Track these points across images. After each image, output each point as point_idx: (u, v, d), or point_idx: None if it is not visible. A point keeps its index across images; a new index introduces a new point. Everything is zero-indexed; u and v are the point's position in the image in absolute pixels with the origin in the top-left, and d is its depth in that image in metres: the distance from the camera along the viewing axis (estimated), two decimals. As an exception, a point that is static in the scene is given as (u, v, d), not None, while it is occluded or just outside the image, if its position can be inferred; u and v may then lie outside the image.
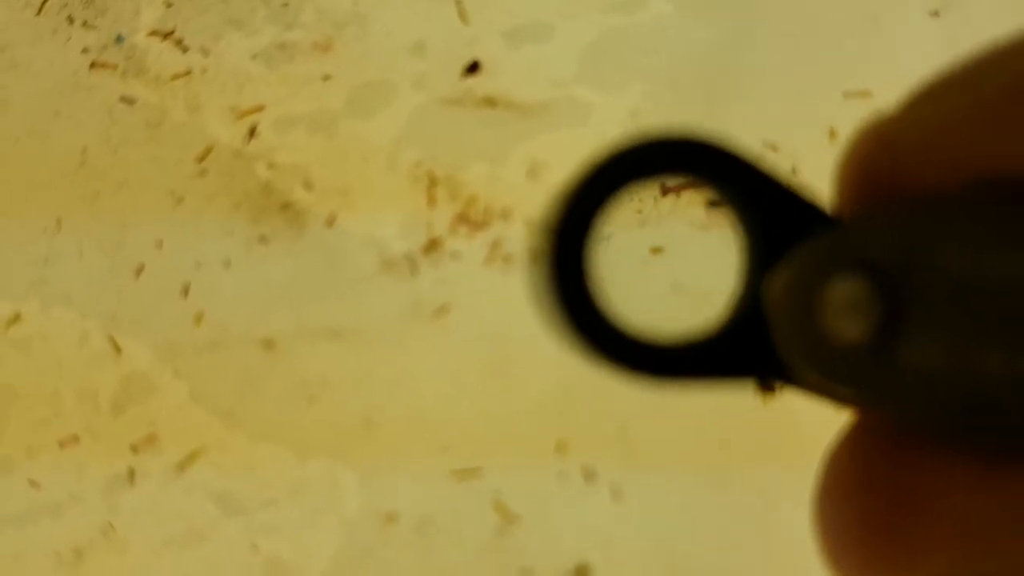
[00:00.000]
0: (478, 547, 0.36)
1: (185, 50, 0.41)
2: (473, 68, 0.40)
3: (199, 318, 0.38)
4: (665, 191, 0.38)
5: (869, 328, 0.10)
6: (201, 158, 0.39)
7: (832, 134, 0.39)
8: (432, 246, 0.38)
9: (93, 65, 0.41)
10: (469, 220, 0.39)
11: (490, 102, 0.40)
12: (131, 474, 0.37)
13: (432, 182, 0.39)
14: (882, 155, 0.12)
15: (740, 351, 0.13)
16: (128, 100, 0.40)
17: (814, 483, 0.12)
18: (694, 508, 0.37)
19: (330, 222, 0.39)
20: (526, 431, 0.37)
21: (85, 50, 0.41)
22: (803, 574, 0.36)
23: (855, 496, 0.12)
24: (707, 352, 0.13)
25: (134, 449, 0.37)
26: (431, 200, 0.39)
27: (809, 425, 0.36)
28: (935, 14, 0.41)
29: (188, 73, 0.40)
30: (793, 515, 0.36)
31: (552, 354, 0.39)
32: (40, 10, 0.42)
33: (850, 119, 0.43)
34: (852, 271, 0.11)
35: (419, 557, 0.36)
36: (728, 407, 0.37)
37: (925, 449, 0.11)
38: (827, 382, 0.11)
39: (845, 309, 0.11)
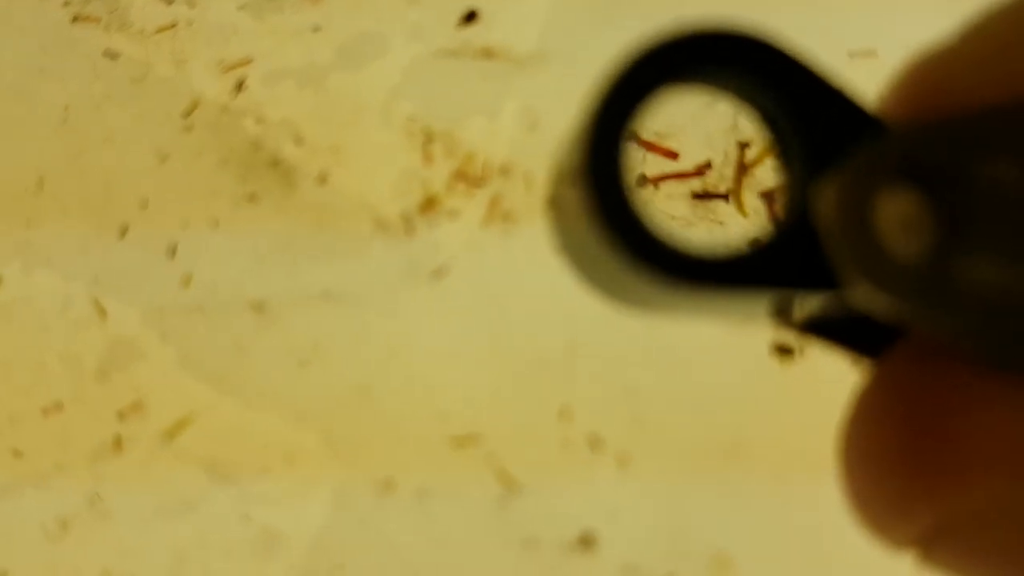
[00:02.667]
0: (479, 516, 0.35)
1: (170, 2, 0.39)
2: (470, 17, 0.38)
3: (186, 280, 0.36)
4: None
5: (924, 244, 0.10)
6: (187, 113, 0.37)
7: (841, 92, 0.38)
8: (428, 204, 0.37)
9: (75, 19, 0.39)
10: (467, 177, 0.37)
11: (488, 53, 0.38)
12: (118, 442, 0.35)
13: (428, 137, 0.37)
14: (933, 79, 0.11)
15: (790, 262, 0.12)
16: (112, 55, 0.39)
17: (842, 420, 0.12)
18: (702, 476, 0.35)
19: (322, 180, 0.37)
20: (528, 397, 0.36)
21: (67, 3, 0.39)
22: (813, 540, 0.35)
23: (890, 425, 0.11)
24: (756, 263, 0.12)
25: (120, 416, 0.36)
26: (427, 156, 0.37)
27: (824, 393, 0.35)
28: (955, -41, 0.39)
29: (173, 26, 0.39)
30: (804, 482, 0.35)
31: (555, 316, 0.37)
32: (19, -39, 0.40)
33: (856, 79, 0.42)
34: (906, 182, 0.10)
35: (418, 527, 0.35)
36: (740, 371, 0.36)
37: (965, 373, 0.11)
38: (881, 295, 0.11)
39: (900, 224, 0.10)
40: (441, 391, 0.36)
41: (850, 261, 0.11)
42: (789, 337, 0.34)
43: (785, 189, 0.12)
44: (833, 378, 0.34)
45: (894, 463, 0.11)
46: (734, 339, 0.35)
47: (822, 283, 0.12)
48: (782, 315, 0.13)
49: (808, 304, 0.12)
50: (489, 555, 0.35)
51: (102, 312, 0.36)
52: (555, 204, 0.13)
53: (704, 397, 0.36)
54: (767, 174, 0.34)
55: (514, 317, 0.36)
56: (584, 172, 0.11)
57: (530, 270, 0.37)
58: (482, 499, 0.35)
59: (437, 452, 0.35)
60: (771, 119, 0.12)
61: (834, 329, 0.13)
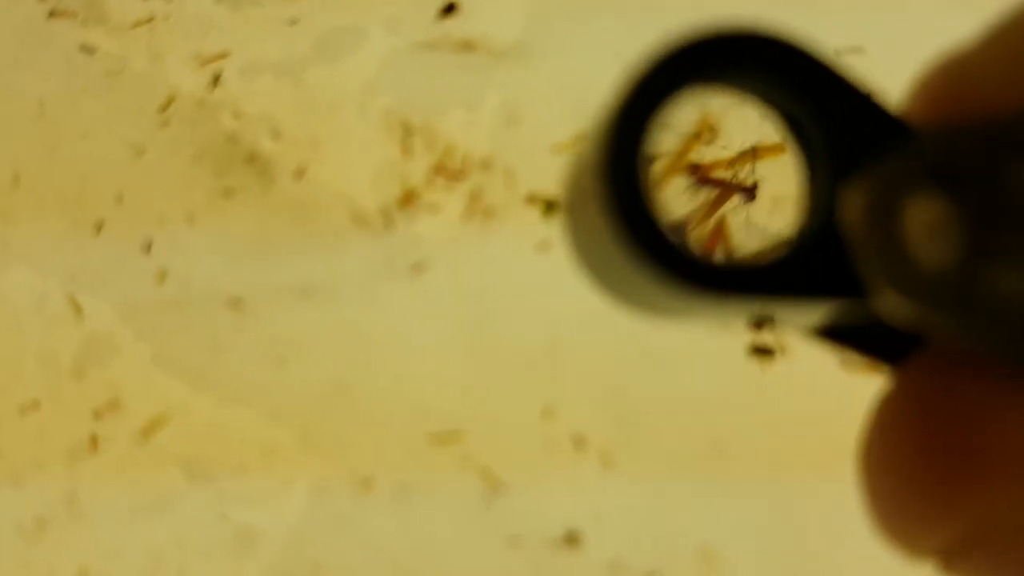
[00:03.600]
0: (461, 514, 0.35)
1: (147, -4, 0.39)
2: (449, 9, 0.38)
3: (162, 276, 0.36)
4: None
5: (952, 251, 0.10)
6: (163, 108, 0.37)
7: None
8: (407, 199, 0.36)
9: (52, 14, 0.39)
10: (446, 171, 0.37)
11: (467, 46, 0.38)
12: (94, 441, 0.35)
13: (407, 131, 0.37)
14: (957, 83, 0.11)
15: (814, 270, 0.12)
16: (88, 49, 0.38)
17: (863, 427, 0.12)
18: (686, 474, 0.35)
19: (299, 174, 0.37)
20: (511, 394, 0.35)
21: (43, -3, 0.39)
22: (797, 536, 0.34)
23: (912, 434, 0.11)
24: (779, 271, 0.12)
25: (96, 415, 0.35)
26: (406, 150, 0.37)
27: (806, 392, 0.34)
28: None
29: (150, 20, 0.38)
30: (787, 479, 0.34)
31: (537, 313, 0.37)
32: (-5, -44, 0.39)
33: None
34: (934, 188, 0.10)
35: (397, 525, 0.35)
36: (722, 370, 0.35)
37: (988, 382, 0.11)
38: (908, 304, 0.11)
39: (928, 230, 0.10)
40: (421, 388, 0.35)
41: (876, 269, 0.11)
42: (768, 338, 0.34)
43: (809, 195, 0.12)
44: (814, 377, 0.33)
45: (917, 473, 0.11)
46: (717, 339, 0.35)
47: (847, 291, 0.11)
48: (800, 323, 0.13)
49: (829, 311, 0.12)
50: (473, 553, 0.35)
51: (78, 309, 0.36)
52: (571, 207, 0.13)
53: (687, 396, 0.35)
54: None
55: (495, 313, 0.36)
56: (604, 176, 0.11)
57: (511, 266, 0.36)
58: (464, 497, 0.35)
59: (417, 449, 0.35)
60: (795, 123, 0.12)
61: (854, 336, 0.13)
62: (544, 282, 0.36)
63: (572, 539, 0.35)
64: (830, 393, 0.33)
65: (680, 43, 0.11)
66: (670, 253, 0.11)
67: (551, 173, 0.36)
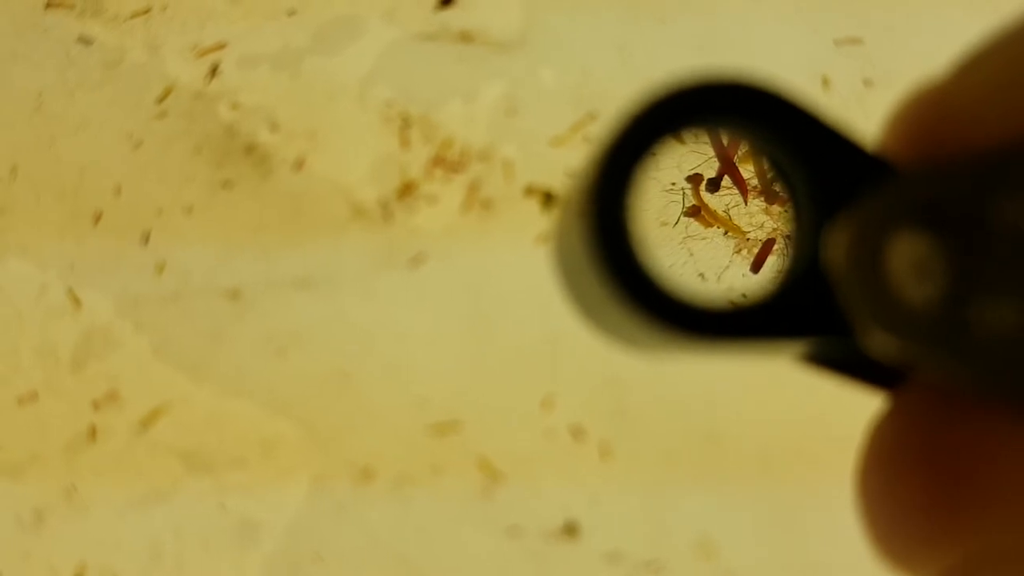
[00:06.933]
0: (461, 505, 0.35)
1: (144, -13, 0.38)
2: (447, 1, 0.38)
3: (161, 268, 0.36)
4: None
5: (937, 288, 0.10)
6: (161, 99, 0.37)
7: (825, 82, 0.37)
8: (406, 190, 0.36)
9: (49, 5, 0.39)
10: (445, 162, 0.36)
11: (466, 37, 0.38)
12: (92, 432, 0.35)
13: (405, 122, 0.37)
14: (934, 116, 0.11)
15: (800, 311, 0.12)
16: (86, 40, 0.38)
17: (858, 452, 0.12)
18: (684, 465, 0.35)
19: (298, 166, 0.36)
20: (510, 386, 0.35)
21: (40, -11, 0.39)
22: (794, 526, 0.34)
23: (909, 461, 0.11)
24: (765, 314, 0.12)
25: (95, 406, 0.35)
26: (404, 141, 0.37)
27: (802, 383, 0.34)
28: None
29: (148, 11, 0.38)
30: (783, 469, 0.34)
31: (536, 304, 0.37)
32: (-9, -53, 0.39)
33: (842, 67, 0.41)
34: (917, 225, 0.10)
35: (397, 516, 0.35)
36: (720, 363, 0.35)
37: (983, 415, 0.10)
38: (894, 341, 0.11)
39: (912, 268, 0.10)
40: (420, 379, 0.35)
41: (862, 307, 0.11)
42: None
43: (794, 236, 0.12)
44: (806, 373, 0.33)
45: (916, 499, 0.11)
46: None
47: (834, 330, 0.12)
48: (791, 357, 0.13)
49: (816, 347, 0.12)
50: (472, 544, 0.35)
51: (76, 301, 0.36)
52: (560, 243, 0.13)
53: (685, 388, 0.35)
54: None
55: (494, 305, 0.36)
56: (590, 218, 0.11)
57: (510, 257, 0.36)
58: (463, 488, 0.35)
59: (416, 441, 0.35)
60: (780, 166, 0.12)
61: (844, 366, 0.13)
62: (543, 273, 0.36)
63: (570, 529, 0.35)
64: (824, 386, 0.33)
65: (665, 92, 0.11)
66: (655, 297, 0.11)
67: (550, 165, 0.36)
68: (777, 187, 0.12)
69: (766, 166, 0.12)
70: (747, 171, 0.31)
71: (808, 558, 0.34)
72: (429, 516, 0.35)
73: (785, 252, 0.12)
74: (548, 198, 0.36)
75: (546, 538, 0.35)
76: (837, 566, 0.34)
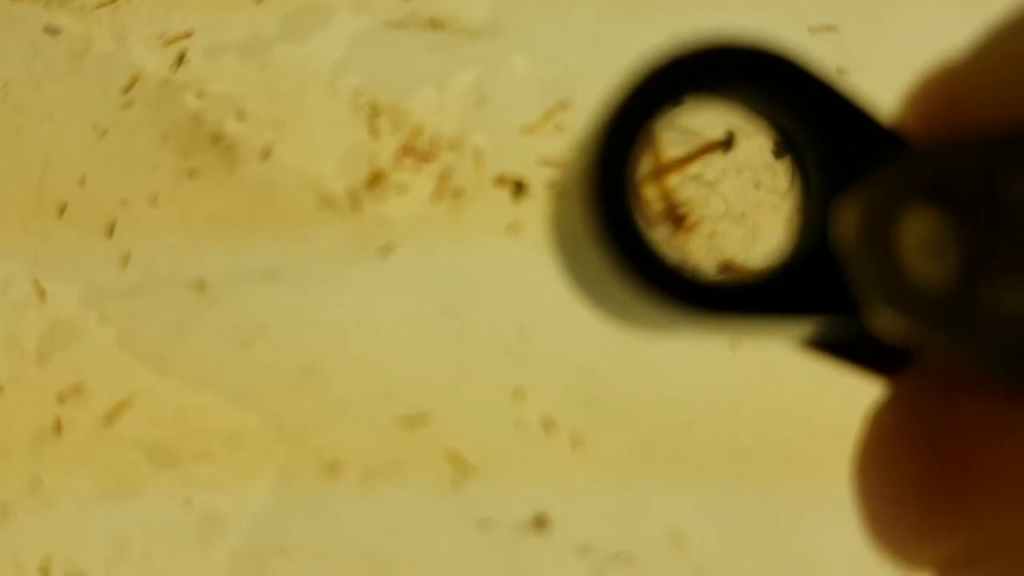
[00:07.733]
0: (430, 498, 0.34)
1: (112, -25, 0.38)
2: (417, -12, 0.37)
3: (125, 259, 0.35)
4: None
5: (948, 268, 0.10)
6: (127, 89, 0.37)
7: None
8: (375, 180, 0.36)
9: (16, -6, 0.38)
10: (415, 151, 0.36)
11: (435, 24, 0.37)
12: (58, 425, 0.35)
13: (374, 111, 0.36)
14: (950, 94, 0.11)
15: (807, 288, 0.11)
16: (52, 30, 0.38)
17: (854, 449, 0.11)
18: (655, 457, 0.34)
19: (265, 155, 0.36)
20: (480, 378, 0.35)
21: (7, -23, 0.39)
22: (766, 519, 0.34)
23: (908, 448, 0.11)
24: (771, 290, 0.11)
25: (60, 399, 0.35)
26: (373, 131, 0.36)
27: (778, 376, 0.34)
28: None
29: (114, 0, 0.38)
30: (757, 462, 0.34)
31: (507, 296, 0.36)
32: (-42, -65, 0.39)
33: (817, 54, 0.41)
34: (930, 203, 0.10)
35: (366, 509, 0.34)
36: (692, 354, 0.35)
37: (985, 395, 0.10)
38: (903, 321, 0.11)
39: (923, 246, 0.10)
40: (389, 371, 0.35)
41: (870, 285, 0.11)
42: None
43: (801, 210, 0.12)
44: (784, 363, 0.33)
45: (914, 488, 0.11)
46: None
47: (840, 308, 0.11)
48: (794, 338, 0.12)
49: (821, 326, 0.12)
50: (441, 537, 0.34)
51: (41, 293, 0.35)
52: (558, 220, 0.13)
53: (657, 380, 0.35)
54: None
55: (464, 296, 0.35)
56: (593, 191, 0.11)
57: (480, 248, 0.36)
58: (433, 481, 0.34)
59: (385, 433, 0.35)
60: (788, 136, 0.12)
61: (846, 349, 0.13)
62: (514, 264, 0.36)
63: (541, 522, 0.34)
64: (800, 380, 0.32)
65: (670, 56, 0.11)
66: (660, 271, 0.11)
67: (521, 154, 0.36)
68: (784, 160, 0.12)
69: (773, 138, 0.12)
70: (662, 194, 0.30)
71: (780, 551, 0.34)
72: (398, 509, 0.34)
73: (792, 228, 0.12)
74: (519, 187, 0.36)
75: (516, 531, 0.34)
76: (809, 559, 0.34)
